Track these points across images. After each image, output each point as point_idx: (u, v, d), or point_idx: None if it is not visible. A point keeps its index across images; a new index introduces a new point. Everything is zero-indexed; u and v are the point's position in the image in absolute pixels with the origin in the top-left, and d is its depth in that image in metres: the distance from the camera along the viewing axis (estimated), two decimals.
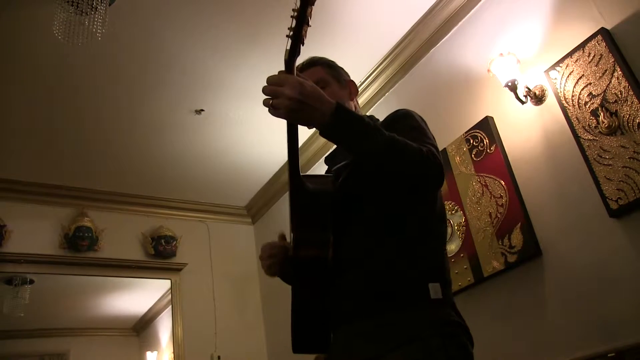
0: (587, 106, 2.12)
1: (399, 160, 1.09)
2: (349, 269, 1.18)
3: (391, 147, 1.08)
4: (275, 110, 1.04)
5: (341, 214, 1.22)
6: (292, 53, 1.03)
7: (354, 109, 1.46)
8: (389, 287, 1.13)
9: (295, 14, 0.98)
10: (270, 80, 1.04)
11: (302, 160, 3.75)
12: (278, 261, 1.32)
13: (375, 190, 1.19)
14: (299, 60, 1.20)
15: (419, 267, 1.15)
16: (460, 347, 1.10)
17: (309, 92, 1.03)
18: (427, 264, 1.16)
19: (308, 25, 1.00)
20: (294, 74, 1.05)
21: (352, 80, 1.49)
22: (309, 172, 3.23)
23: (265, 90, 1.04)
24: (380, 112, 3.40)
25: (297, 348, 1.26)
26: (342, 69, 1.51)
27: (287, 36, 1.01)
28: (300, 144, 3.80)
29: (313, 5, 0.99)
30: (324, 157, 1.46)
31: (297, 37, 1.00)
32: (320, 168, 3.44)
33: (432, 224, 1.23)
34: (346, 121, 1.07)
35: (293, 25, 0.99)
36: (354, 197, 1.23)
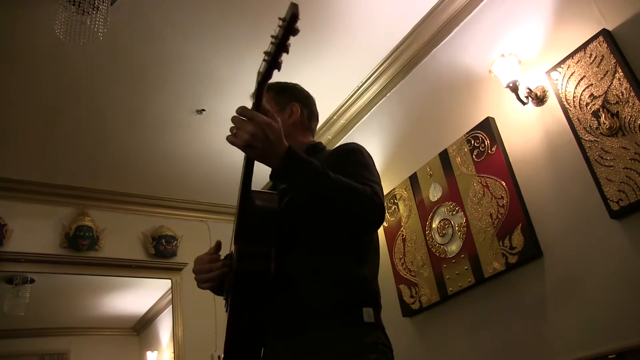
0: (589, 107, 2.11)
1: (341, 201, 1.15)
2: (288, 287, 1.22)
3: (335, 190, 1.14)
4: (234, 139, 1.10)
5: (286, 233, 1.26)
6: (265, 76, 1.07)
7: (286, 131, 1.47)
8: (325, 308, 1.18)
9: (276, 40, 1.02)
10: (240, 111, 1.09)
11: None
12: (213, 277, 1.35)
13: (316, 219, 1.24)
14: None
15: (354, 292, 1.21)
16: None
17: (267, 134, 1.08)
18: (363, 290, 1.23)
19: (287, 53, 1.03)
20: (263, 97, 1.10)
21: (296, 104, 1.52)
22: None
23: (232, 119, 1.09)
24: (382, 112, 3.41)
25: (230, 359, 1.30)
26: (295, 91, 1.56)
27: (264, 60, 1.05)
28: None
29: (295, 35, 1.02)
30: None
31: (274, 64, 1.04)
32: None
33: (368, 252, 1.30)
34: (294, 167, 1.13)
35: (271, 50, 1.03)
36: (297, 220, 1.27)
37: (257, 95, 1.10)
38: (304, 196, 1.19)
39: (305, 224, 1.27)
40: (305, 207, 1.24)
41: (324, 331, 1.15)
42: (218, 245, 1.43)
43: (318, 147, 1.49)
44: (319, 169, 1.15)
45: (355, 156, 1.34)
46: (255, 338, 1.26)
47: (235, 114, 1.10)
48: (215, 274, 1.36)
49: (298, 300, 1.20)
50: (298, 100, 1.54)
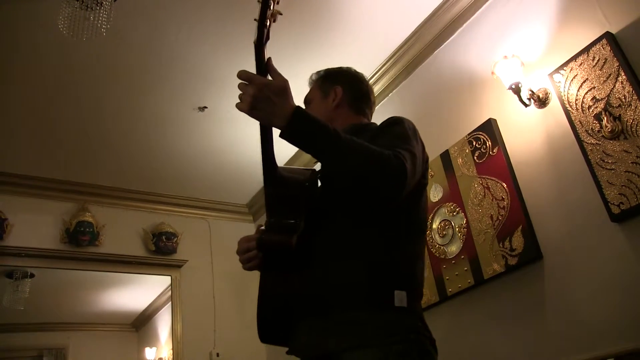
0: (591, 110, 2.11)
1: (353, 160, 1.09)
2: (318, 263, 1.19)
3: (345, 149, 1.09)
4: (240, 104, 1.09)
5: (320, 206, 1.24)
6: (258, 37, 1.09)
7: (331, 116, 1.43)
8: (354, 286, 1.13)
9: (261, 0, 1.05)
10: (239, 75, 1.09)
11: (299, 164, 3.75)
12: (253, 256, 1.31)
13: (343, 191, 1.21)
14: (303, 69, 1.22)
15: (387, 272, 1.15)
16: (425, 354, 1.10)
17: (267, 95, 1.07)
18: (396, 271, 1.16)
19: (270, 9, 1.06)
20: (264, 57, 1.11)
21: (338, 86, 1.49)
22: None
23: (238, 86, 1.10)
24: (383, 113, 3.40)
25: (263, 337, 1.27)
26: (340, 74, 1.54)
27: (254, 19, 1.08)
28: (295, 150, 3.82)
29: None
30: None
31: (261, 23, 1.07)
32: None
33: (408, 233, 1.23)
34: (301, 126, 1.09)
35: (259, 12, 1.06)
36: (332, 192, 1.25)
37: (257, 58, 1.11)
38: (317, 157, 1.14)
39: (337, 198, 1.22)
40: (334, 181, 1.21)
41: (349, 312, 1.10)
42: (260, 228, 1.38)
43: (366, 127, 1.41)
44: (328, 129, 1.09)
45: (392, 128, 1.27)
46: (286, 314, 1.22)
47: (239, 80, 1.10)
48: (253, 254, 1.30)
49: (324, 279, 1.16)
50: (341, 82, 1.50)
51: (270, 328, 1.25)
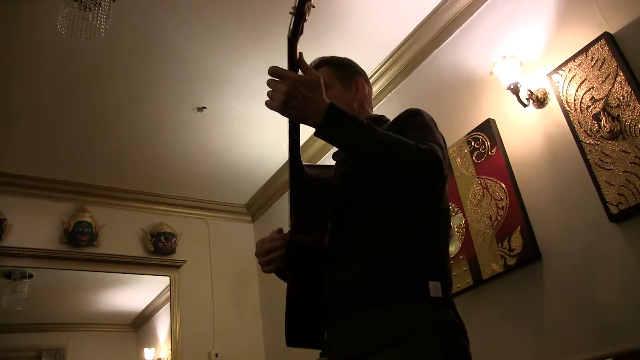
0: (589, 110, 2.11)
1: (392, 157, 1.07)
2: (348, 260, 1.16)
3: (384, 145, 1.07)
4: (271, 102, 1.06)
5: (345, 203, 1.20)
6: (294, 30, 1.05)
7: (355, 108, 1.43)
8: (388, 280, 1.10)
9: None
10: (271, 72, 1.06)
11: (303, 159, 3.75)
12: (275, 257, 1.27)
13: (377, 184, 1.18)
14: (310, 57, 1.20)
15: (420, 263, 1.12)
16: (460, 348, 1.09)
17: (302, 91, 1.04)
18: (429, 262, 1.14)
19: (310, 1, 1.02)
20: (297, 52, 1.07)
21: (361, 79, 1.47)
22: None
23: (267, 82, 1.06)
24: (382, 112, 3.40)
25: (291, 341, 1.23)
26: (354, 66, 1.50)
27: (289, 13, 1.03)
28: (301, 143, 3.82)
29: None
30: (331, 154, 1.47)
31: (300, 15, 1.02)
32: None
33: (435, 223, 1.21)
34: (338, 122, 1.06)
35: (295, 3, 1.02)
36: (357, 189, 1.22)
37: (290, 53, 1.07)
38: (353, 154, 1.12)
39: (366, 191, 1.20)
40: (361, 175, 1.19)
41: (383, 308, 1.07)
42: (280, 229, 1.34)
43: (381, 120, 1.41)
44: (365, 124, 1.07)
45: (414, 119, 1.26)
46: (315, 316, 1.17)
47: (269, 76, 1.06)
48: (276, 255, 1.26)
49: (355, 275, 1.13)
50: (360, 75, 1.49)
51: (299, 332, 1.21)
